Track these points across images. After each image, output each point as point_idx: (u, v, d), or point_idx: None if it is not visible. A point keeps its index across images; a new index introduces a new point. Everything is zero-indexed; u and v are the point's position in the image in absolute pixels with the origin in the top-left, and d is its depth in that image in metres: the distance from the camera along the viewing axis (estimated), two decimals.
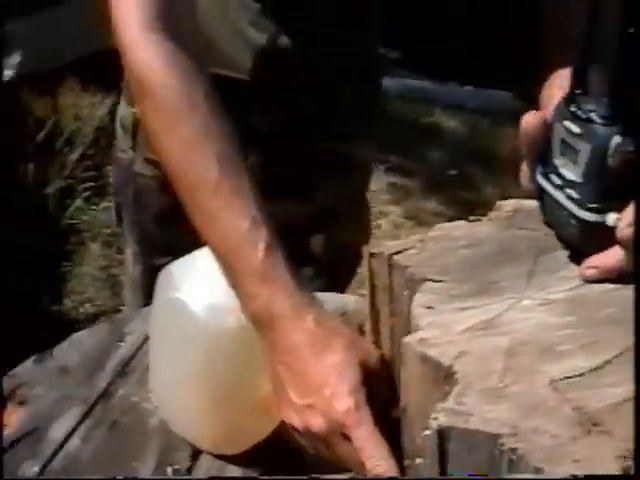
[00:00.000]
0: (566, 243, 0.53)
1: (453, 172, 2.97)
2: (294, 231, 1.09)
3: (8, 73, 2.72)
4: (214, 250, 0.68)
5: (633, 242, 0.49)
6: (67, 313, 1.81)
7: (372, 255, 0.58)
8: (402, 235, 2.47)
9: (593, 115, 0.49)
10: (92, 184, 2.07)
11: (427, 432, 0.39)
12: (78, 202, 2.03)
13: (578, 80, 0.52)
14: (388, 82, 3.73)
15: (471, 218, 0.62)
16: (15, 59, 2.83)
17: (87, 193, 2.06)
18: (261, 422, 0.75)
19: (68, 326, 1.72)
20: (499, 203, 0.64)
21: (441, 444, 0.39)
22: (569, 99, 0.52)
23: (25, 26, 2.78)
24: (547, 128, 0.53)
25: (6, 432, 0.78)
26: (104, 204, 2.05)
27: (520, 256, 0.54)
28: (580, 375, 0.41)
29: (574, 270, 0.50)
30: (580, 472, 0.35)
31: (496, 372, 0.41)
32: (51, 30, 2.64)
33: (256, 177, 0.72)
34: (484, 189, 3.06)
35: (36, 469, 0.74)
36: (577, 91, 0.51)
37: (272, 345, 0.63)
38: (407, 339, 0.45)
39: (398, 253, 0.56)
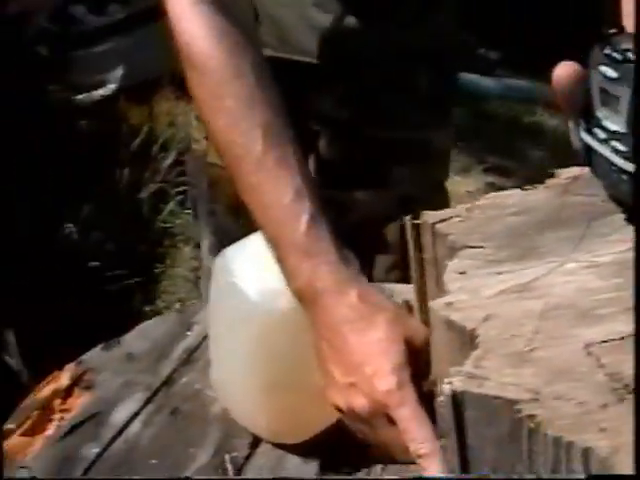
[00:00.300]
0: (619, 202, 0.48)
1: (554, 172, 2.86)
2: (371, 220, 1.08)
3: (111, 87, 2.85)
4: (259, 224, 0.67)
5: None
6: (159, 312, 1.85)
7: (415, 225, 0.54)
8: None
9: (629, 54, 0.44)
10: (185, 188, 2.11)
11: (440, 398, 0.36)
12: (171, 206, 2.08)
13: (611, 18, 0.47)
14: (488, 82, 3.65)
15: (526, 187, 0.58)
16: (118, 73, 2.96)
17: (180, 197, 2.11)
18: (321, 411, 0.73)
19: None
20: (559, 170, 0.60)
21: (457, 413, 0.35)
22: (603, 41, 0.47)
23: (126, 42, 2.91)
24: (583, 78, 0.48)
25: (69, 415, 0.79)
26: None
27: (571, 222, 0.50)
28: (619, 339, 0.36)
29: (628, 232, 0.46)
30: (605, 442, 0.31)
31: (524, 336, 0.38)
32: (149, 44, 2.75)
33: (321, 159, 0.69)
34: None
35: (95, 451, 0.74)
36: (611, 31, 0.46)
37: (315, 321, 0.60)
38: (432, 303, 0.42)
39: (442, 222, 0.53)
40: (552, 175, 0.59)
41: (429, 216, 0.53)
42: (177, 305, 1.83)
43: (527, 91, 3.61)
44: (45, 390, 0.83)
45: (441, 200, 1.16)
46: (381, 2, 1.00)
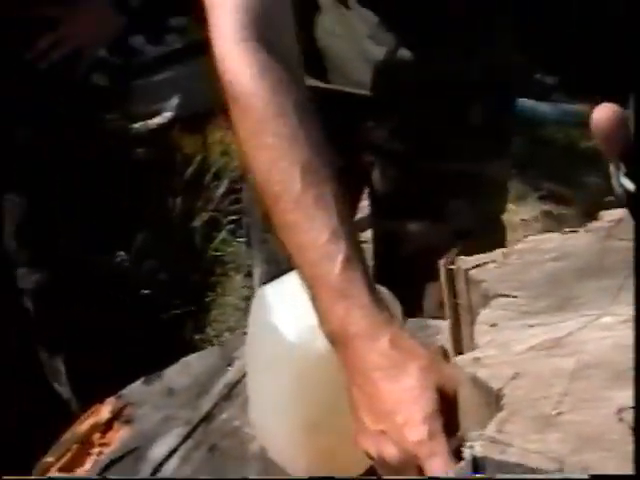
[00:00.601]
0: None
1: (612, 199, 2.79)
2: (424, 252, 1.07)
3: (166, 115, 2.91)
4: (295, 263, 0.66)
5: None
6: (209, 341, 1.85)
7: (450, 270, 0.53)
8: None
9: None
10: (237, 217, 2.13)
11: (460, 464, 0.34)
12: (223, 234, 2.10)
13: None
14: (545, 107, 3.60)
15: (566, 229, 0.56)
16: (174, 102, 3.02)
17: (232, 226, 2.12)
18: (358, 452, 0.71)
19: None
20: (602, 212, 0.58)
21: None
22: None
23: (183, 72, 2.98)
24: (623, 120, 0.46)
25: (108, 450, 0.79)
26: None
27: (612, 270, 0.48)
28: None
29: None
30: None
31: (552, 398, 0.36)
32: (204, 74, 2.80)
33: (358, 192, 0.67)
34: None
35: None
36: None
37: (347, 365, 0.59)
38: (459, 359, 0.41)
39: (476, 267, 0.51)
40: (605, 207, 0.57)
41: (463, 262, 0.52)
42: (227, 334, 1.84)
43: (584, 116, 3.55)
44: (85, 424, 0.84)
45: (497, 233, 1.15)
46: (434, 35, 0.99)
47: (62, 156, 1.35)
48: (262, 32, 0.71)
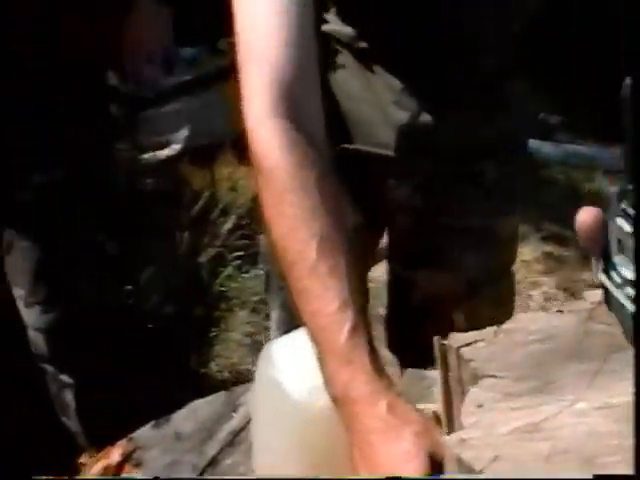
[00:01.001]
0: (630, 343, 0.50)
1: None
2: (437, 300, 1.13)
3: (175, 147, 2.95)
4: (307, 327, 0.71)
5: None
6: (212, 376, 1.89)
7: (442, 345, 0.58)
8: (553, 307, 2.37)
9: None
10: (243, 253, 2.18)
11: None
12: (229, 270, 2.14)
13: (629, 175, 0.50)
14: (548, 148, 3.65)
15: (553, 309, 0.61)
16: (183, 134, 3.06)
17: (238, 261, 2.17)
18: None
19: (211, 388, 1.80)
20: (586, 293, 0.62)
21: None
22: (620, 195, 0.50)
23: (193, 103, 3.01)
24: (604, 222, 0.51)
25: None
26: (254, 272, 2.14)
27: (591, 353, 0.52)
28: None
29: None
30: None
31: None
32: (215, 107, 2.85)
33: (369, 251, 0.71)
34: None
35: None
36: (629, 186, 0.50)
37: (348, 427, 0.64)
38: (447, 439, 0.45)
39: (467, 345, 0.56)
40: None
41: (454, 339, 0.56)
42: (227, 372, 1.88)
43: (587, 157, 3.60)
44: (97, 466, 0.88)
45: (507, 283, 1.21)
46: (454, 102, 1.06)
47: (78, 194, 1.38)
48: (293, 108, 0.77)
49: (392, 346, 1.27)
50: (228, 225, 2.21)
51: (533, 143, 3.49)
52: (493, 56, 1.05)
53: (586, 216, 0.52)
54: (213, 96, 2.91)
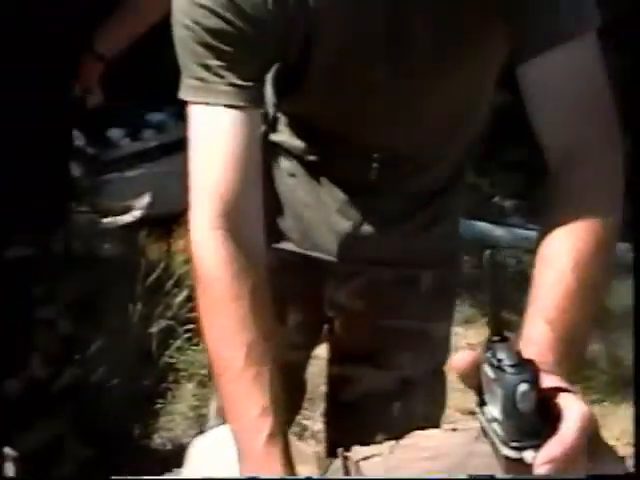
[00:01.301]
0: (502, 471, 0.56)
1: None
2: (373, 395, 1.19)
3: (136, 214, 2.97)
4: (231, 427, 0.77)
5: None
6: (155, 448, 1.91)
7: (345, 458, 0.63)
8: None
9: (503, 363, 0.55)
10: (194, 325, 2.21)
11: None
12: (179, 342, 2.18)
13: (494, 327, 0.57)
14: (499, 231, 3.76)
15: (447, 427, 0.67)
16: (145, 200, 3.08)
17: (189, 334, 2.20)
18: None
19: (156, 462, 1.82)
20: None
21: None
22: (487, 345, 0.57)
23: (156, 170, 3.03)
24: (477, 363, 0.58)
25: None
26: (203, 345, 2.17)
27: (476, 473, 0.58)
28: None
29: None
30: None
31: None
32: (177, 174, 2.89)
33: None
34: (591, 345, 2.97)
35: None
36: (494, 338, 0.57)
37: None
38: None
39: (365, 459, 0.62)
40: None
41: (355, 452, 0.62)
42: (170, 444, 1.89)
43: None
44: None
45: (438, 382, 1.28)
46: (394, 216, 1.14)
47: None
48: (234, 222, 0.85)
49: (330, 433, 1.33)
50: (180, 298, 2.25)
51: (484, 226, 3.60)
52: (430, 175, 1.14)
53: (461, 358, 0.59)
54: (176, 163, 2.94)
